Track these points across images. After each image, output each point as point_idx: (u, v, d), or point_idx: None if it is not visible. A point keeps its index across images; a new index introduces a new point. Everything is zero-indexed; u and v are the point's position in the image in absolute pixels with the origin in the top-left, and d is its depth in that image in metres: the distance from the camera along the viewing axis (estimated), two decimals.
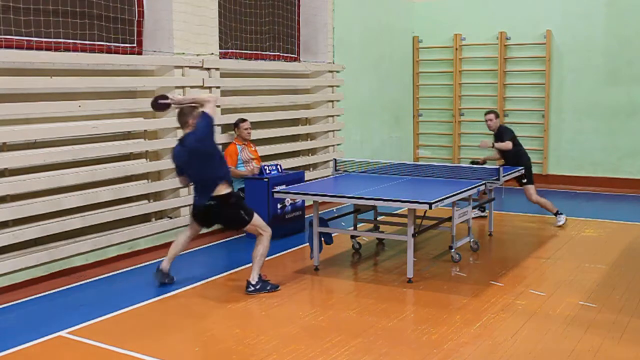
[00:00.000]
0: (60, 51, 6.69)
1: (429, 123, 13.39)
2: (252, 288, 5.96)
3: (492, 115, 8.76)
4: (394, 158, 11.65)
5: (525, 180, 8.60)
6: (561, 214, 8.69)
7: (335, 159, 8.18)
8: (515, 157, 8.64)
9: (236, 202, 6.01)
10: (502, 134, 8.69)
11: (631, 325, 5.17)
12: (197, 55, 8.05)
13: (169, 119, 7.70)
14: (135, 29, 7.66)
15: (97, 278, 6.57)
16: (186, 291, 6.11)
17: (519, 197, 10.40)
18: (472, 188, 6.83)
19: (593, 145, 11.84)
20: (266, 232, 6.06)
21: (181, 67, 7.82)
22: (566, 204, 8.97)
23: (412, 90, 13.33)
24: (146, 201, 7.60)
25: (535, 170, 9.38)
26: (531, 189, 8.63)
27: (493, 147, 8.68)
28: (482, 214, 9.03)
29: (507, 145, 8.55)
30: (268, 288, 6.02)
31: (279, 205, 8.15)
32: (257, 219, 6.04)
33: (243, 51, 9.20)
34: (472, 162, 9.09)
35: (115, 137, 7.36)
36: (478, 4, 12.66)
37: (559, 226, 8.57)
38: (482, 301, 5.74)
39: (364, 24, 11.60)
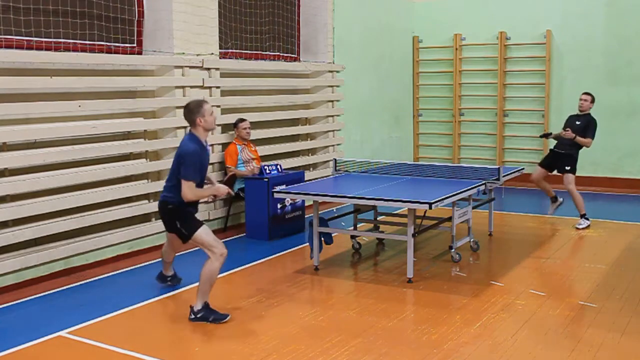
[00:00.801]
0: (60, 51, 6.69)
1: (429, 123, 13.38)
2: (193, 316, 5.27)
3: (588, 97, 8.68)
4: (394, 158, 11.66)
5: (569, 168, 8.61)
6: (587, 218, 8.63)
7: (335, 159, 8.17)
8: (575, 146, 8.62)
9: (174, 210, 5.33)
10: (587, 126, 8.59)
11: (631, 325, 5.17)
12: (197, 55, 8.05)
13: (169, 119, 7.72)
14: (135, 29, 7.66)
15: (97, 278, 6.57)
16: (186, 291, 6.10)
17: (519, 197, 10.41)
18: (472, 188, 6.83)
19: (593, 145, 11.75)
20: (215, 251, 5.24)
21: (181, 67, 7.81)
22: (567, 203, 8.96)
23: (412, 90, 13.33)
24: (146, 201, 7.59)
25: None
26: (572, 177, 8.61)
27: (574, 138, 8.51)
28: (558, 201, 9.05)
29: (588, 142, 8.55)
30: (211, 319, 5.24)
31: (279, 205, 8.15)
32: (201, 235, 5.28)
33: (243, 51, 9.20)
34: (543, 135, 9.39)
35: (115, 137, 7.36)
36: (478, 4, 12.65)
37: (578, 228, 8.47)
38: (482, 301, 5.74)
39: (364, 24, 11.59)
